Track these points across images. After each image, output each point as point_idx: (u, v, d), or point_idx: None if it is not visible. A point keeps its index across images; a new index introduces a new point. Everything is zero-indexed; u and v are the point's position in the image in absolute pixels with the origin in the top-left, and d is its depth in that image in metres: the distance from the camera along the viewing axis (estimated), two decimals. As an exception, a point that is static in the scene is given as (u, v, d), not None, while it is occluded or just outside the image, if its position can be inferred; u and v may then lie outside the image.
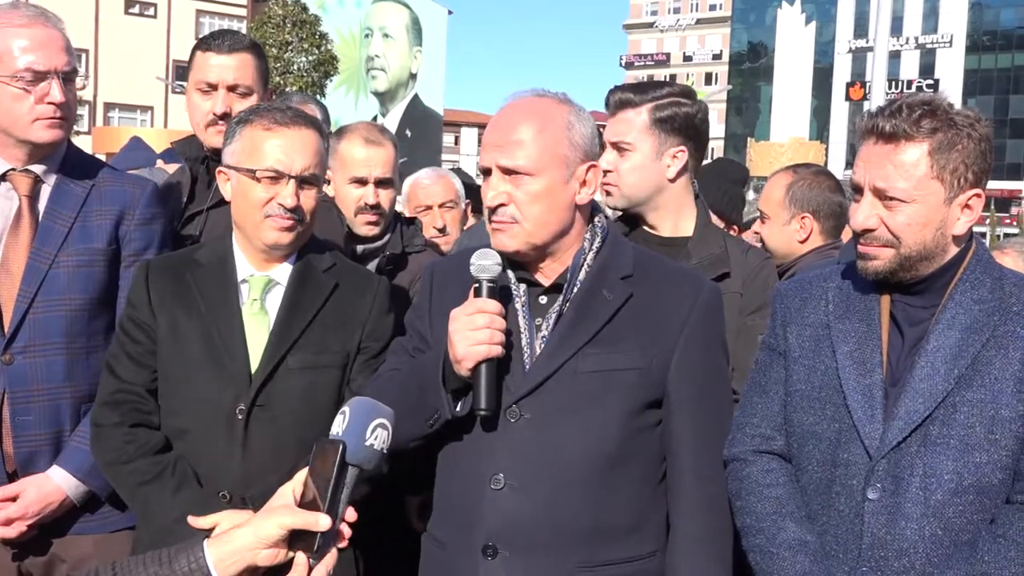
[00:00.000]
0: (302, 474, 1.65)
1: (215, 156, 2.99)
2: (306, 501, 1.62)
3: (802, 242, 3.49)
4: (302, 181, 2.30)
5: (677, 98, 2.76)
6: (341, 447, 1.62)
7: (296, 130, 2.31)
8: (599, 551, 2.02)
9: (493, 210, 2.04)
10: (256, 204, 2.28)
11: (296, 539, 1.59)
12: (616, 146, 2.76)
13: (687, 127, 2.76)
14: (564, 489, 2.00)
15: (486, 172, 2.07)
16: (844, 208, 3.48)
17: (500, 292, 2.03)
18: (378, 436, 1.67)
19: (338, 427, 1.66)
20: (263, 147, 2.28)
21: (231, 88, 2.96)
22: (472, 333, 1.96)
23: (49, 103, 2.41)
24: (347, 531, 1.61)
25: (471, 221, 4.42)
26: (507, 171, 2.02)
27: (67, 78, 2.45)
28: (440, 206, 3.88)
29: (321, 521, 1.57)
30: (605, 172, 2.76)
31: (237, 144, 2.33)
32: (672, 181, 2.77)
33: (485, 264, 2.00)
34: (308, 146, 2.31)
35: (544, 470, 2.00)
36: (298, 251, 2.38)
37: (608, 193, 2.79)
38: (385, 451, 1.67)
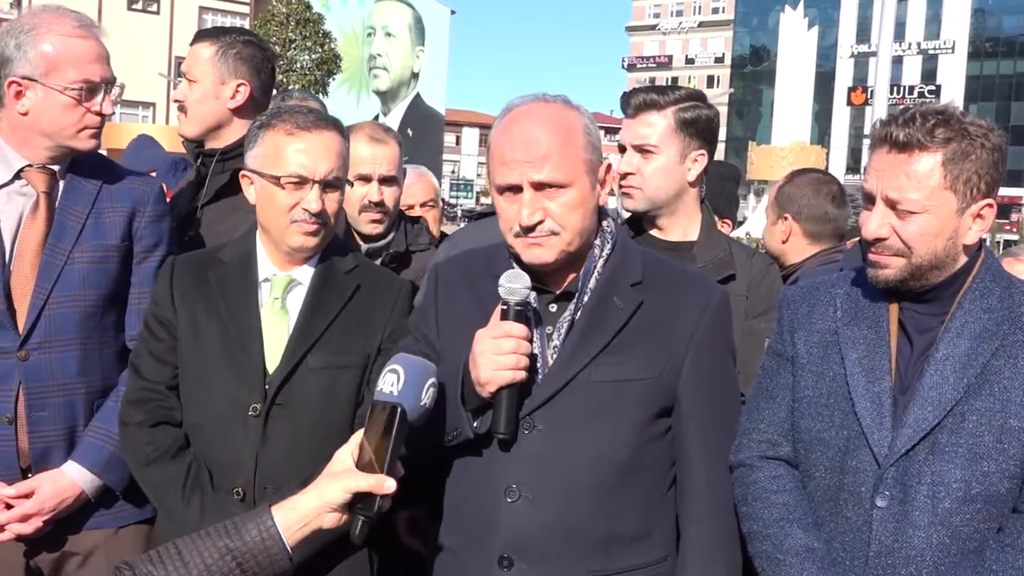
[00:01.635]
0: (358, 436, 1.68)
1: (206, 153, 3.03)
2: (363, 463, 1.64)
3: (783, 243, 3.48)
4: (326, 185, 2.30)
5: (697, 101, 2.76)
6: (400, 410, 1.64)
7: (318, 134, 2.30)
8: (612, 559, 2.01)
9: (531, 228, 1.98)
10: (282, 210, 2.29)
11: (356, 501, 1.63)
12: (640, 149, 2.74)
13: (708, 131, 2.77)
14: (578, 499, 1.99)
15: (512, 189, 2.00)
16: (832, 216, 3.47)
17: (527, 315, 1.99)
18: (430, 395, 1.72)
19: (392, 387, 1.68)
20: (286, 152, 2.28)
21: (185, 76, 3.09)
22: (498, 358, 1.93)
23: (97, 114, 2.44)
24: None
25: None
26: (540, 186, 1.98)
27: (110, 87, 2.48)
28: (421, 205, 3.87)
29: (387, 484, 1.61)
30: (626, 175, 2.76)
31: (259, 149, 2.33)
32: (692, 185, 2.77)
33: (515, 287, 1.96)
34: (331, 149, 2.31)
35: (558, 481, 1.99)
36: (321, 252, 2.38)
37: (628, 195, 2.78)
38: (431, 408, 1.73)
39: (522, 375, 1.95)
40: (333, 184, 2.31)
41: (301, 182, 2.28)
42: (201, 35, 3.15)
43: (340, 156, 2.33)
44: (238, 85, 3.04)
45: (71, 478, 2.44)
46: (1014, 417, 1.92)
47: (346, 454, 1.67)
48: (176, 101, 3.13)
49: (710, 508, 2.07)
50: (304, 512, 1.64)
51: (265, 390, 2.27)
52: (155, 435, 2.31)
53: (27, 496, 2.41)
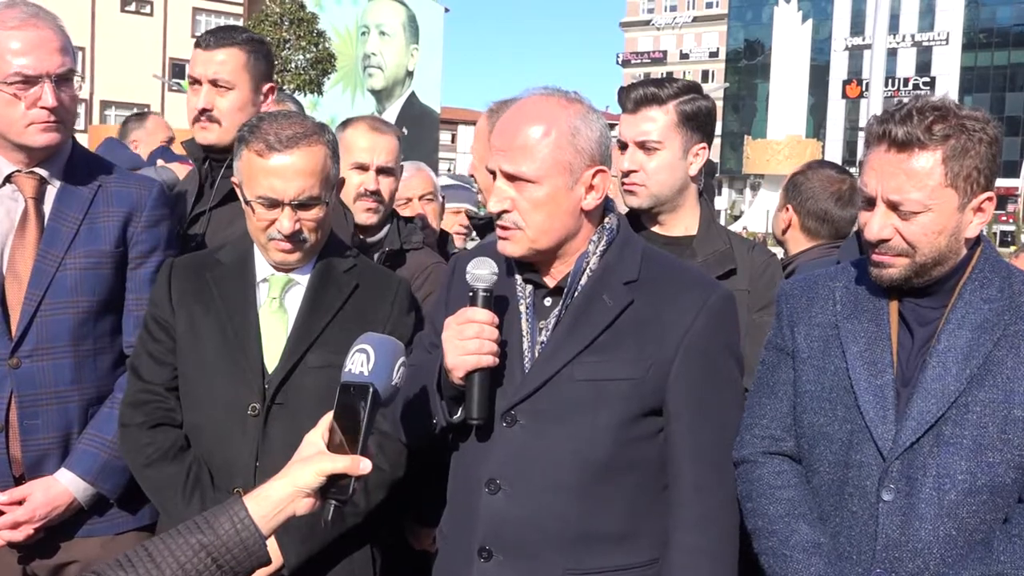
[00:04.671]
0: (327, 418, 1.64)
1: (215, 155, 2.98)
2: (334, 446, 1.61)
3: (783, 232, 3.44)
4: (298, 205, 2.25)
5: (695, 93, 2.75)
6: (372, 389, 1.62)
7: (289, 153, 2.23)
8: (591, 557, 2.00)
9: (498, 215, 2.02)
10: (258, 228, 2.28)
11: (329, 485, 1.59)
12: (643, 145, 2.72)
13: (708, 123, 2.76)
14: (555, 495, 1.99)
15: (493, 174, 2.05)
16: (832, 217, 3.37)
17: (496, 301, 2.00)
18: (401, 374, 1.70)
19: (362, 367, 1.65)
20: (257, 174, 2.24)
21: (213, 83, 2.94)
22: (461, 343, 1.95)
23: (42, 107, 2.37)
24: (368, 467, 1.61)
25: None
26: (510, 176, 1.99)
27: (62, 79, 2.40)
28: (420, 198, 3.87)
29: (363, 465, 1.57)
30: (629, 172, 2.74)
31: (238, 163, 2.30)
32: (693, 179, 2.77)
33: (480, 273, 1.98)
34: (304, 169, 2.24)
35: (537, 476, 1.99)
36: (319, 252, 2.36)
37: (632, 193, 2.76)
38: (401, 387, 1.71)
39: (489, 360, 1.96)
40: (307, 204, 2.26)
41: (272, 204, 2.24)
42: (220, 39, 3.00)
43: (315, 174, 2.26)
44: (271, 89, 3.01)
45: (63, 486, 2.43)
46: (1018, 407, 1.92)
47: (316, 437, 1.64)
48: (203, 110, 2.94)
49: (697, 514, 2.03)
50: (277, 499, 1.58)
51: (264, 390, 2.26)
52: (155, 436, 2.30)
53: (18, 503, 2.40)
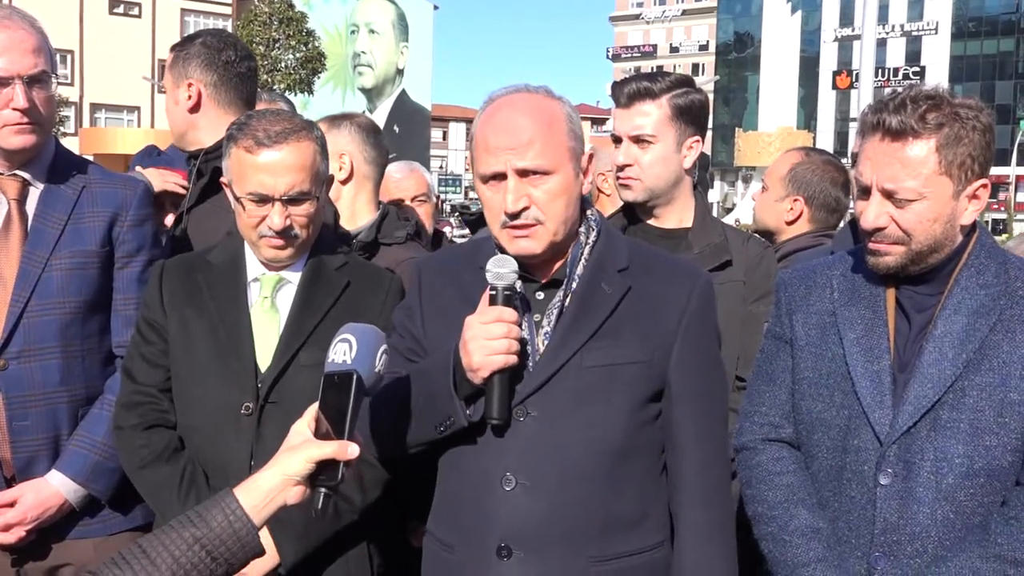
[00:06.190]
0: (312, 409, 1.65)
1: (192, 155, 3.00)
2: (321, 434, 1.61)
3: (789, 223, 3.46)
4: (289, 201, 2.24)
5: (688, 87, 2.76)
6: (356, 377, 1.63)
7: (278, 149, 2.22)
8: (610, 545, 2.00)
9: (516, 215, 1.98)
10: (248, 226, 2.27)
11: (318, 473, 1.60)
12: (637, 139, 2.74)
13: (702, 116, 2.77)
14: (574, 485, 1.98)
15: (496, 177, 2.00)
16: (842, 206, 3.47)
17: (512, 299, 1.98)
18: (383, 361, 1.71)
19: (344, 355, 1.67)
20: (246, 171, 2.23)
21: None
22: (489, 343, 1.92)
23: (14, 109, 2.35)
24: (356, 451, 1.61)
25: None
26: (524, 172, 1.98)
27: (36, 80, 2.38)
28: (412, 199, 3.86)
29: (350, 449, 1.58)
30: (624, 166, 2.76)
31: (227, 162, 2.29)
32: (687, 172, 2.78)
33: (502, 272, 1.95)
34: (294, 164, 2.23)
35: (554, 468, 1.98)
36: (310, 249, 2.36)
37: (627, 187, 2.78)
38: (384, 374, 1.72)
39: (514, 359, 1.94)
40: (297, 199, 2.25)
41: (262, 200, 2.23)
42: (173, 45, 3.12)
43: (304, 169, 2.25)
44: (188, 85, 2.99)
45: (54, 487, 2.42)
46: (1014, 391, 1.93)
47: (303, 427, 1.64)
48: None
49: (703, 491, 2.05)
50: (267, 488, 1.58)
51: (257, 389, 2.25)
52: (150, 438, 2.30)
53: (10, 506, 2.40)
